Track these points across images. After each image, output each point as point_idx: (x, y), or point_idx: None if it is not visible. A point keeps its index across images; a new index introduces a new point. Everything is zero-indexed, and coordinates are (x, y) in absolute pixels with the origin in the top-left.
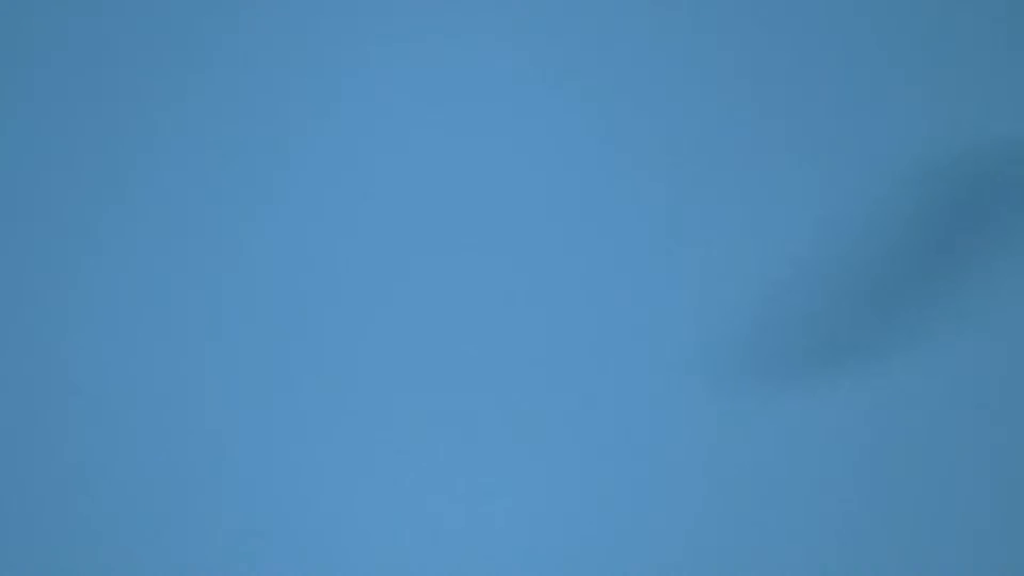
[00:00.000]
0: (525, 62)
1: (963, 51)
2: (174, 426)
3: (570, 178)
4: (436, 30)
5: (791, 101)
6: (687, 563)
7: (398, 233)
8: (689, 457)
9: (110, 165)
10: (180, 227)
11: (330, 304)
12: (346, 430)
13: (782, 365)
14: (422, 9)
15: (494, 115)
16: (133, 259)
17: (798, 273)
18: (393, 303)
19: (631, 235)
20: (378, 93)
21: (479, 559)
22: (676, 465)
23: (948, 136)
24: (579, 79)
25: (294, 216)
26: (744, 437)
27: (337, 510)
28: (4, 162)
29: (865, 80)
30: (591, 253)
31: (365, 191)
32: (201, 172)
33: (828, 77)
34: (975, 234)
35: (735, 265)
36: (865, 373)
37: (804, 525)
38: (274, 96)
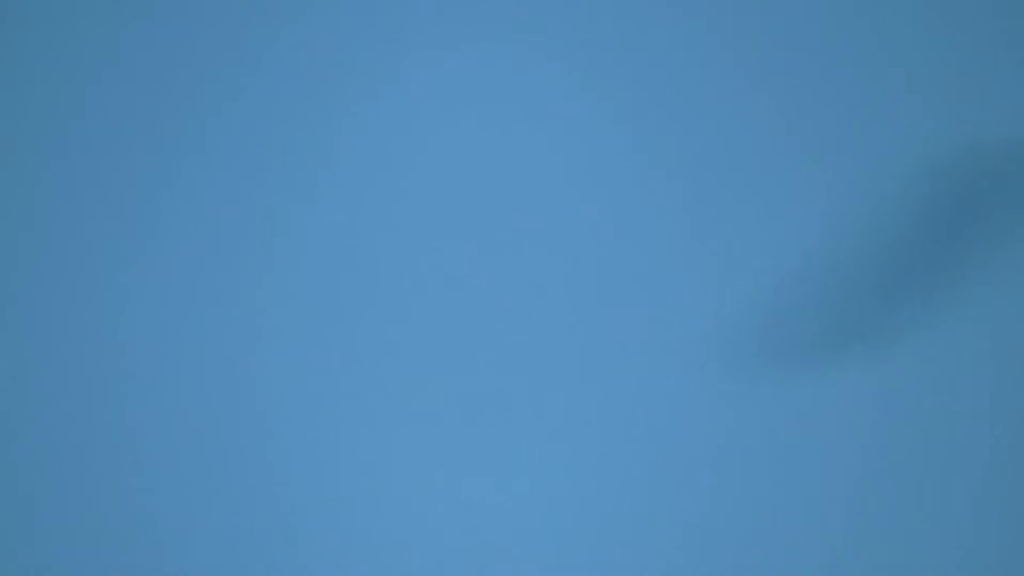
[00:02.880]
0: (550, 69)
1: (964, 55)
2: (223, 406)
3: (595, 178)
4: (467, 38)
5: (802, 104)
6: (702, 540)
7: (432, 227)
8: (705, 438)
9: (164, 164)
10: (229, 220)
11: (368, 294)
12: (382, 415)
13: (794, 351)
14: (454, 19)
15: (524, 118)
16: (184, 251)
17: (809, 265)
18: (426, 294)
19: (652, 230)
20: (413, 97)
21: (505, 533)
22: (693, 446)
23: (950, 136)
24: (602, 86)
25: (335, 209)
26: (758, 419)
27: (372, 488)
28: (66, 162)
29: (871, 84)
30: (614, 247)
31: (402, 186)
32: (248, 169)
33: (836, 81)
34: (976, 228)
35: (749, 258)
36: (872, 359)
37: (813, 503)
38: (316, 99)
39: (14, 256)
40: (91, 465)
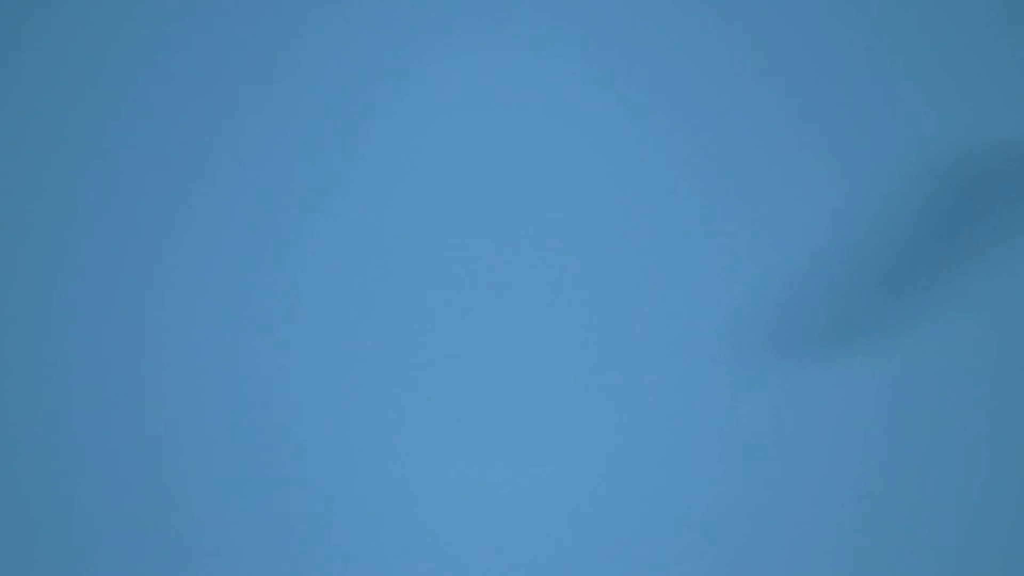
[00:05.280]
0: (566, 72)
1: (964, 55)
2: (254, 399)
3: (607, 176)
4: (487, 45)
5: (807, 104)
6: (711, 529)
7: (451, 224)
8: (714, 429)
9: (197, 167)
10: (260, 219)
11: (393, 289)
12: (406, 407)
13: (800, 345)
14: (476, 26)
15: (541, 120)
16: (217, 251)
17: (814, 261)
18: (445, 289)
19: (662, 227)
20: (436, 100)
21: (521, 520)
22: (702, 437)
23: (951, 135)
24: (615, 88)
25: (363, 209)
26: (765, 410)
27: (396, 477)
28: (103, 164)
29: (875, 85)
30: (626, 244)
31: (425, 185)
32: (279, 170)
33: (841, 82)
34: (976, 226)
35: (757, 253)
36: (875, 352)
37: (819, 493)
38: (343, 103)
39: (60, 255)
40: (128, 456)
